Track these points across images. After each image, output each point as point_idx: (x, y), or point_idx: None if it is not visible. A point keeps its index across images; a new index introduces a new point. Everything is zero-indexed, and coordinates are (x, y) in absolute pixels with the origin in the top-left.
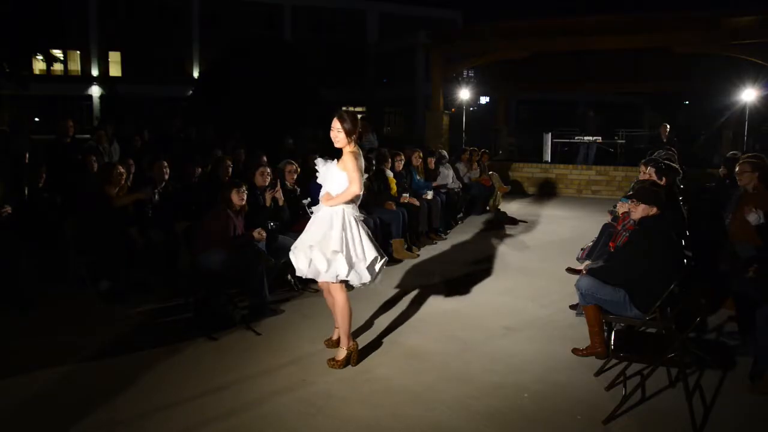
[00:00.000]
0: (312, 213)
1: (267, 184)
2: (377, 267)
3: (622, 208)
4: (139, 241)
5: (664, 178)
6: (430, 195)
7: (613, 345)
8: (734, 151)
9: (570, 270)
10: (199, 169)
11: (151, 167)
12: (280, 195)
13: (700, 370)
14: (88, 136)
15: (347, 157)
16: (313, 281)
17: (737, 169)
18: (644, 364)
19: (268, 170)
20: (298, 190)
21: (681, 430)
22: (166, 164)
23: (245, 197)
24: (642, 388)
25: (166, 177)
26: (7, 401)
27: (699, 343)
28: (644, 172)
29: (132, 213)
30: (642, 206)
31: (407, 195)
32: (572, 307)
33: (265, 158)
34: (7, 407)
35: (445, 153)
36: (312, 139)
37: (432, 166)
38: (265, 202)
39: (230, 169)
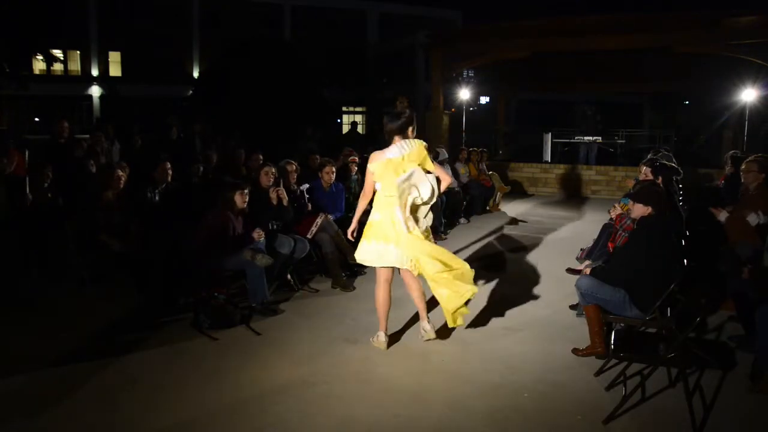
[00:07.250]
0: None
1: (271, 183)
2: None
3: (614, 211)
4: (137, 241)
5: (660, 177)
6: None
7: (613, 345)
8: (735, 150)
9: (570, 270)
10: (201, 168)
11: (154, 168)
12: (283, 194)
13: (700, 370)
14: (87, 136)
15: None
16: (312, 281)
17: (743, 167)
18: (644, 364)
19: (273, 170)
20: (299, 190)
21: (681, 430)
22: (168, 165)
23: (247, 199)
24: (642, 388)
25: (169, 178)
26: (6, 403)
27: (699, 343)
28: (642, 172)
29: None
30: (639, 206)
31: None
32: (572, 307)
33: (261, 158)
34: (7, 409)
35: (442, 152)
36: (312, 139)
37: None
38: (269, 201)
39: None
